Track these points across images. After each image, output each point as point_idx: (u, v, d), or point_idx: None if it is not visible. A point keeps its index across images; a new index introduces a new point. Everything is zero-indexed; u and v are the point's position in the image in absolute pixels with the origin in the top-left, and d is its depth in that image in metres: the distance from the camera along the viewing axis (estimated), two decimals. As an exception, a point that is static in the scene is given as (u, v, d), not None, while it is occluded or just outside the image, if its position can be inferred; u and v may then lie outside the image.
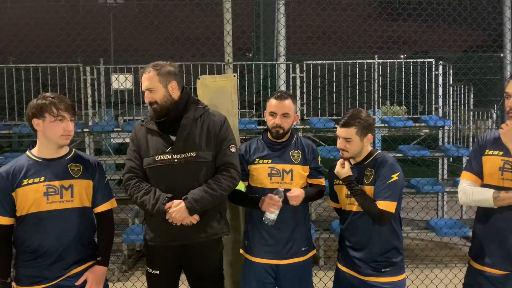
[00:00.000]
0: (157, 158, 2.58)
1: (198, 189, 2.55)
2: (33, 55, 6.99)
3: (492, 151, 2.39)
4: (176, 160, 2.57)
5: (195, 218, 2.55)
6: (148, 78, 2.59)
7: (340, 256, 2.79)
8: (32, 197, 2.33)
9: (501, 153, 2.37)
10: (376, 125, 7.18)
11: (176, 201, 2.52)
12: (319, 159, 2.96)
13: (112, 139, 8.40)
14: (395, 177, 2.54)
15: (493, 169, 2.37)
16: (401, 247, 2.66)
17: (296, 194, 2.70)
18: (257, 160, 2.83)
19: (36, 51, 6.96)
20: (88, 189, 2.48)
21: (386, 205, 2.50)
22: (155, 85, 2.59)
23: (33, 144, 2.53)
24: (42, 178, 2.36)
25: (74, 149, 2.55)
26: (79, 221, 2.43)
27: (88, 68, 6.85)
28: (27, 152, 2.46)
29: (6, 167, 2.39)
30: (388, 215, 2.51)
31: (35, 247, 2.35)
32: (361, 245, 2.62)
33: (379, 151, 2.76)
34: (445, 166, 7.13)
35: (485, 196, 2.35)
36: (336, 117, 7.23)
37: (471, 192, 2.43)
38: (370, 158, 2.67)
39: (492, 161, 2.39)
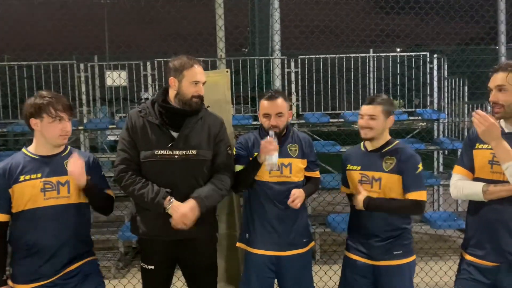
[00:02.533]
0: (157, 152, 2.56)
1: (206, 187, 2.57)
2: (25, 52, 6.95)
3: (482, 145, 2.41)
4: (176, 156, 2.56)
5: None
6: (203, 73, 2.64)
7: (350, 244, 2.82)
8: (29, 193, 2.34)
9: (490, 146, 2.39)
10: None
11: (184, 203, 2.49)
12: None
13: (107, 136, 8.38)
14: (420, 166, 2.66)
15: (483, 162, 2.39)
16: (411, 230, 2.76)
17: (296, 195, 2.71)
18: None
19: (28, 48, 6.92)
20: None
21: (420, 195, 2.62)
22: (204, 80, 2.66)
23: (29, 142, 2.53)
24: (39, 175, 2.37)
25: (69, 146, 2.56)
26: (75, 217, 2.43)
27: (82, 65, 6.81)
28: (23, 150, 2.46)
29: (2, 164, 2.39)
30: (423, 204, 2.63)
31: (32, 244, 2.35)
32: (373, 229, 2.69)
33: (398, 141, 2.79)
34: (440, 159, 7.17)
35: (475, 190, 2.37)
36: (331, 112, 7.22)
37: (461, 186, 2.45)
38: (389, 146, 2.72)
39: (482, 154, 2.41)
